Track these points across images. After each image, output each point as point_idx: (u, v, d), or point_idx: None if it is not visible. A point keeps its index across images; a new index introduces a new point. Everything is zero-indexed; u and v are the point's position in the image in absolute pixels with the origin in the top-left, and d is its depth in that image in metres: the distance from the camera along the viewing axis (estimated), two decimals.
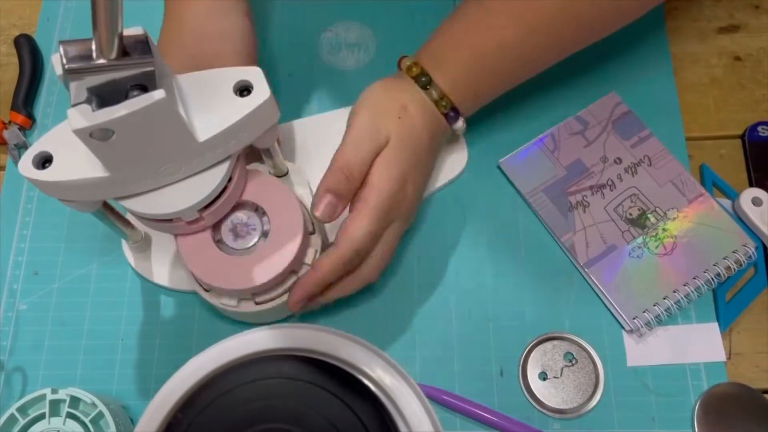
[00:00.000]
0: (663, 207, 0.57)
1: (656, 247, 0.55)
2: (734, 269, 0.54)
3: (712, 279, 0.54)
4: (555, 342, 0.54)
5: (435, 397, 0.52)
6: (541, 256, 0.57)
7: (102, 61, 0.37)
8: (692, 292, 0.53)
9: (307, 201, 0.53)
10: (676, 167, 0.58)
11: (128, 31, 0.38)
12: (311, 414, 0.42)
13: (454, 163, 0.59)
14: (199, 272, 0.48)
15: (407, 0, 0.66)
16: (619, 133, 0.59)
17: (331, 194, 0.47)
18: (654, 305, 0.53)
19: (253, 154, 0.52)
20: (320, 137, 0.60)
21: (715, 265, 0.54)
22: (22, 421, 0.49)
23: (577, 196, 0.58)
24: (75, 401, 0.49)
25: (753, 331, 0.55)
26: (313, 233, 0.52)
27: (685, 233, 0.56)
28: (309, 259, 0.50)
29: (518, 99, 0.59)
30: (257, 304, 0.50)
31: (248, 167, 0.50)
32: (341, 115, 0.61)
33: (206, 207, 0.46)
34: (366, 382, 0.44)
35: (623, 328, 0.54)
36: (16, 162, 0.61)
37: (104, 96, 0.37)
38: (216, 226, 0.49)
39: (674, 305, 0.53)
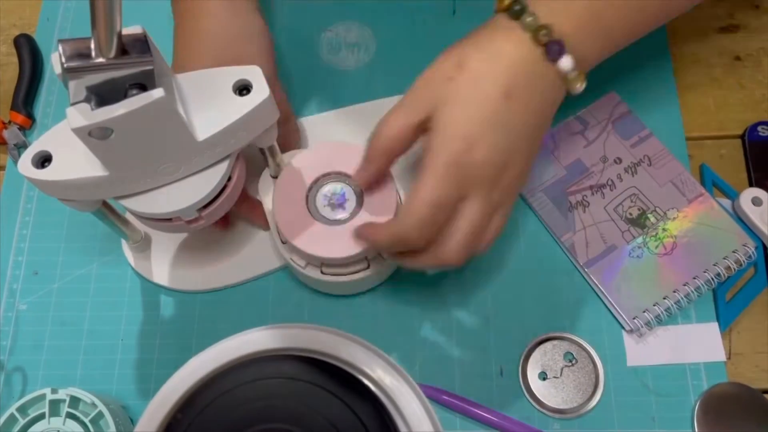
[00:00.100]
0: (663, 207, 0.57)
1: (656, 247, 0.55)
2: (734, 269, 0.54)
3: (712, 279, 0.54)
4: (555, 342, 0.54)
5: (435, 397, 0.52)
6: (541, 256, 0.57)
7: (101, 59, 0.37)
8: (692, 292, 0.53)
9: None
10: (676, 167, 0.58)
11: (127, 30, 0.38)
12: (311, 414, 0.42)
13: None
14: (300, 243, 0.49)
15: (407, 0, 0.66)
16: (619, 133, 0.59)
17: (363, 160, 0.47)
18: (654, 305, 0.53)
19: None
20: (320, 137, 0.60)
21: (715, 265, 0.54)
22: (22, 421, 0.49)
23: (577, 195, 0.58)
24: (75, 401, 0.49)
25: (753, 331, 0.55)
26: None
27: (685, 233, 0.56)
28: None
29: None
30: (323, 274, 0.51)
31: (346, 143, 0.51)
32: (341, 115, 0.62)
33: (205, 206, 0.46)
34: (366, 382, 0.44)
35: (623, 328, 0.54)
36: (15, 162, 0.61)
37: (103, 95, 0.37)
38: (308, 197, 0.50)
39: (674, 305, 0.53)
